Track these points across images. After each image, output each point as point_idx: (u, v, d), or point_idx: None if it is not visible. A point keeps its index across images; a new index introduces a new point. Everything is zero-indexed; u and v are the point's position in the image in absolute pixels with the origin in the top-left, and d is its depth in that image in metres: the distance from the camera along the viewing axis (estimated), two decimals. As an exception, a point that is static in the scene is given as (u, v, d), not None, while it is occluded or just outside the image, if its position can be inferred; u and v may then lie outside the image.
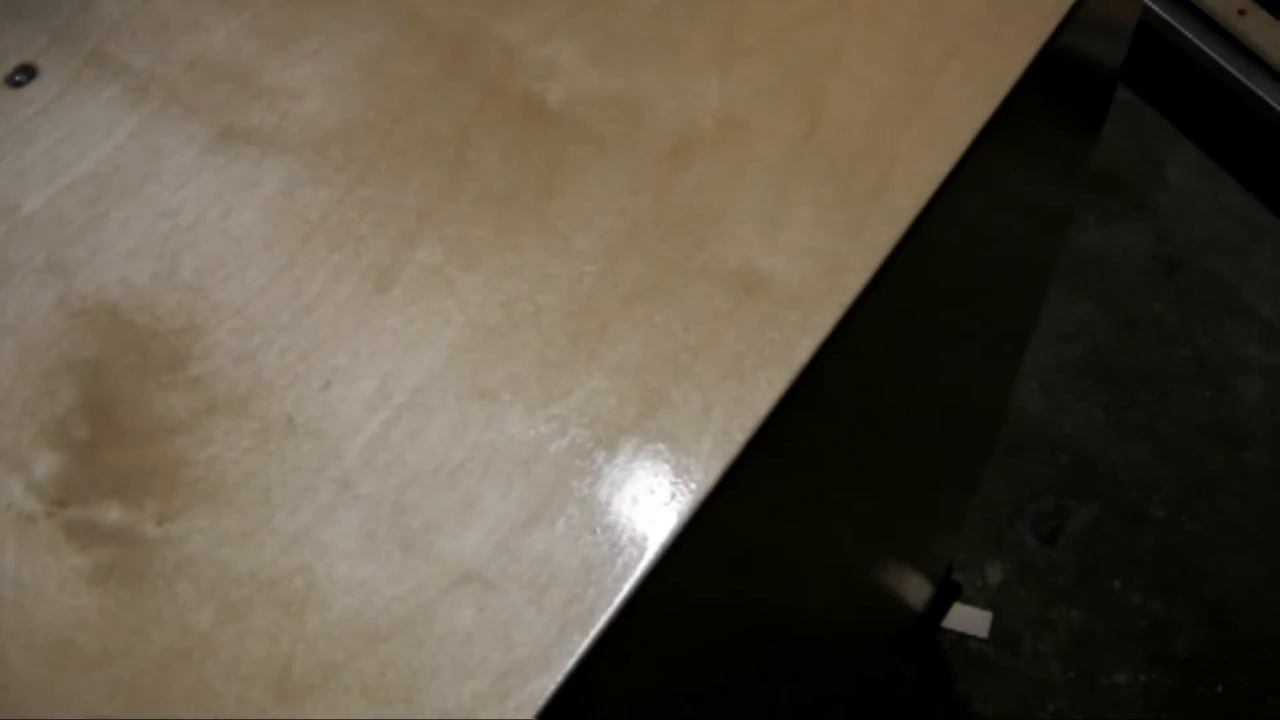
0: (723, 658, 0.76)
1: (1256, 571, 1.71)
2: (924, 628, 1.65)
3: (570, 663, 0.50)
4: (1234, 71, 1.93)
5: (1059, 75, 0.76)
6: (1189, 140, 2.05)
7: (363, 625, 0.51)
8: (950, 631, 1.68)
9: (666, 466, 0.54)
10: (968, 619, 1.68)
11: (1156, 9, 1.98)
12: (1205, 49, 1.95)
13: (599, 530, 0.52)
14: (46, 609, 0.52)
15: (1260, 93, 1.92)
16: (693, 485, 0.53)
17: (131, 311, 0.60)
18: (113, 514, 0.54)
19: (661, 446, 0.54)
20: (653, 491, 0.53)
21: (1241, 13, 1.96)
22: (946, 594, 1.61)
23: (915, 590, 1.45)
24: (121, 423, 0.57)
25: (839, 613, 1.11)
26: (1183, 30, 1.98)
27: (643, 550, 0.52)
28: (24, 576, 0.53)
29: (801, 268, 0.59)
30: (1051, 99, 0.81)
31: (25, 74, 0.69)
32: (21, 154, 0.66)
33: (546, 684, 0.49)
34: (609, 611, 0.51)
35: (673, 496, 0.53)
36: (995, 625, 1.69)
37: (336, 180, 0.63)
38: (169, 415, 0.57)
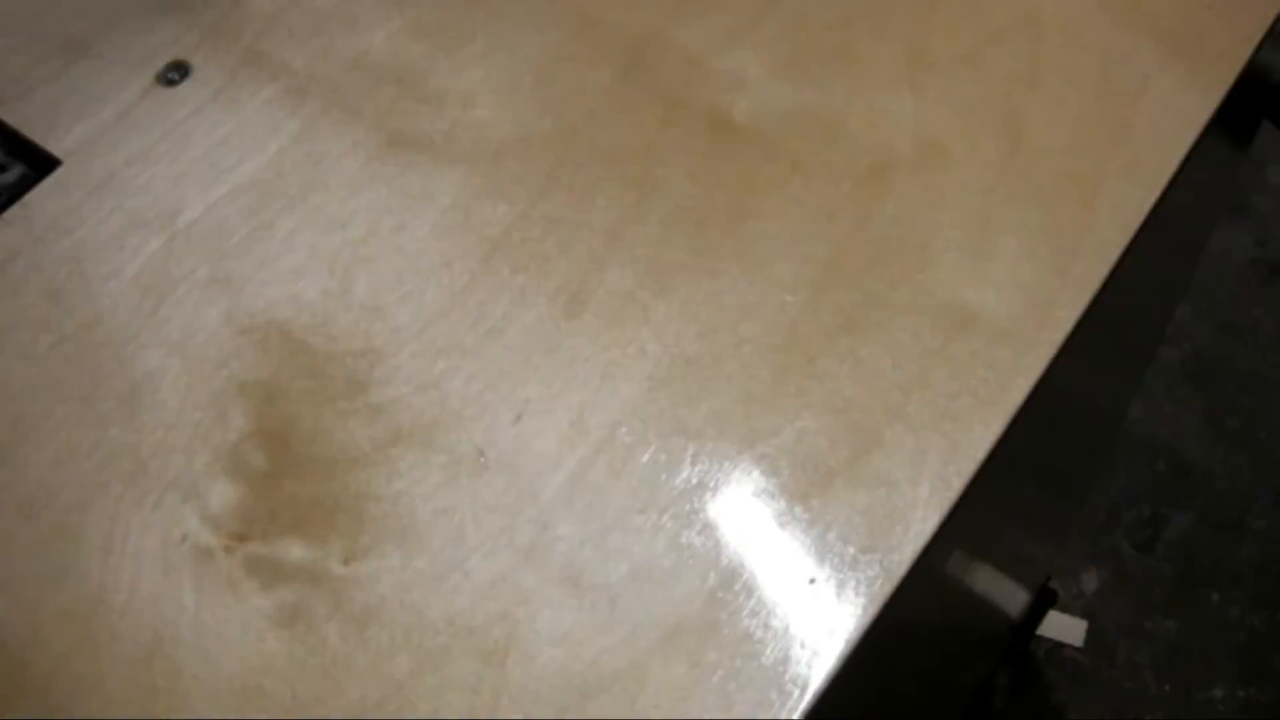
0: (877, 687, 0.73)
1: (1359, 588, 1.68)
2: (1019, 635, 1.62)
3: (796, 725, 0.47)
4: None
5: (1239, 90, 0.73)
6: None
7: (570, 679, 0.48)
8: (1045, 639, 1.65)
9: (883, 513, 0.51)
10: (1063, 627, 1.65)
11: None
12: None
13: (816, 581, 0.49)
14: (231, 652, 0.50)
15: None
16: (911, 534, 0.51)
17: (304, 331, 0.57)
18: (296, 551, 0.52)
19: (879, 492, 0.51)
20: (870, 540, 0.50)
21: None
22: (1043, 601, 1.58)
23: (1014, 597, 1.42)
24: (299, 451, 0.54)
25: (948, 622, 1.08)
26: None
27: (861, 603, 0.49)
28: (205, 617, 0.51)
29: (1011, 302, 0.56)
30: (1223, 116, 0.78)
31: (178, 72, 0.66)
32: (178, 158, 0.63)
33: (771, 749, 0.47)
34: (829, 667, 0.48)
35: (891, 545, 0.50)
36: (1090, 634, 1.65)
37: (516, 195, 0.60)
38: (350, 445, 0.54)
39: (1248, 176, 2.02)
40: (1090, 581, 1.70)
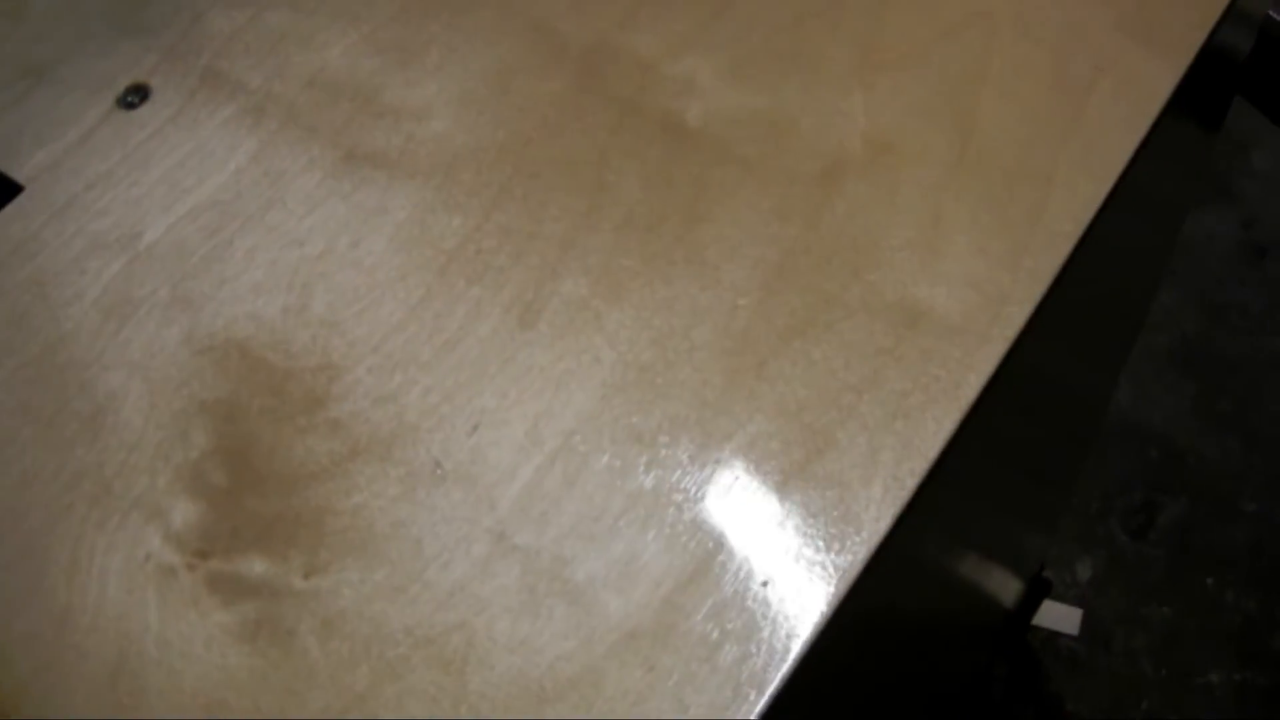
0: (856, 682, 0.74)
1: (1353, 569, 1.68)
2: (1015, 625, 1.62)
3: (750, 727, 0.47)
4: (1323, 52, 1.87)
5: (1198, 76, 0.73)
6: (1275, 125, 2.00)
7: (527, 686, 0.48)
8: (1040, 629, 1.65)
9: (836, 514, 0.51)
10: (1058, 616, 1.65)
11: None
12: (1292, 29, 1.89)
13: (770, 583, 0.50)
14: (194, 668, 0.50)
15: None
16: (864, 534, 0.51)
17: (263, 348, 0.58)
18: (257, 567, 0.52)
19: (831, 493, 0.52)
20: (824, 541, 0.51)
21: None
22: (1037, 591, 1.58)
23: (1008, 588, 1.42)
24: (260, 468, 0.55)
25: (938, 615, 1.08)
26: (1270, 12, 1.92)
27: (815, 604, 0.49)
28: (168, 634, 0.51)
29: (962, 299, 0.56)
30: (1188, 100, 0.78)
31: (137, 94, 0.67)
32: (138, 180, 0.64)
33: (725, 751, 0.47)
34: (784, 669, 0.48)
35: (844, 546, 0.51)
36: (1086, 622, 1.66)
37: (470, 206, 0.61)
38: (310, 460, 0.55)
39: (1231, 160, 2.02)
40: (1084, 570, 1.70)
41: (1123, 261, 0.93)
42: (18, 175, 0.64)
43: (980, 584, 1.23)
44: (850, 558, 0.50)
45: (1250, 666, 1.62)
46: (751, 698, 0.48)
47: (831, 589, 0.50)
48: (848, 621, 0.55)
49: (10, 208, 0.63)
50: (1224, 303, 1.89)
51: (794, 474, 0.52)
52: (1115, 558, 1.71)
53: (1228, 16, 0.67)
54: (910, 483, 0.52)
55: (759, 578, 0.50)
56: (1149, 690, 1.62)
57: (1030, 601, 1.60)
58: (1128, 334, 1.22)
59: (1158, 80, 0.63)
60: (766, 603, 0.50)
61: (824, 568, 0.50)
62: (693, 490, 0.52)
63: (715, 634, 0.49)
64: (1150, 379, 1.83)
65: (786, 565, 0.50)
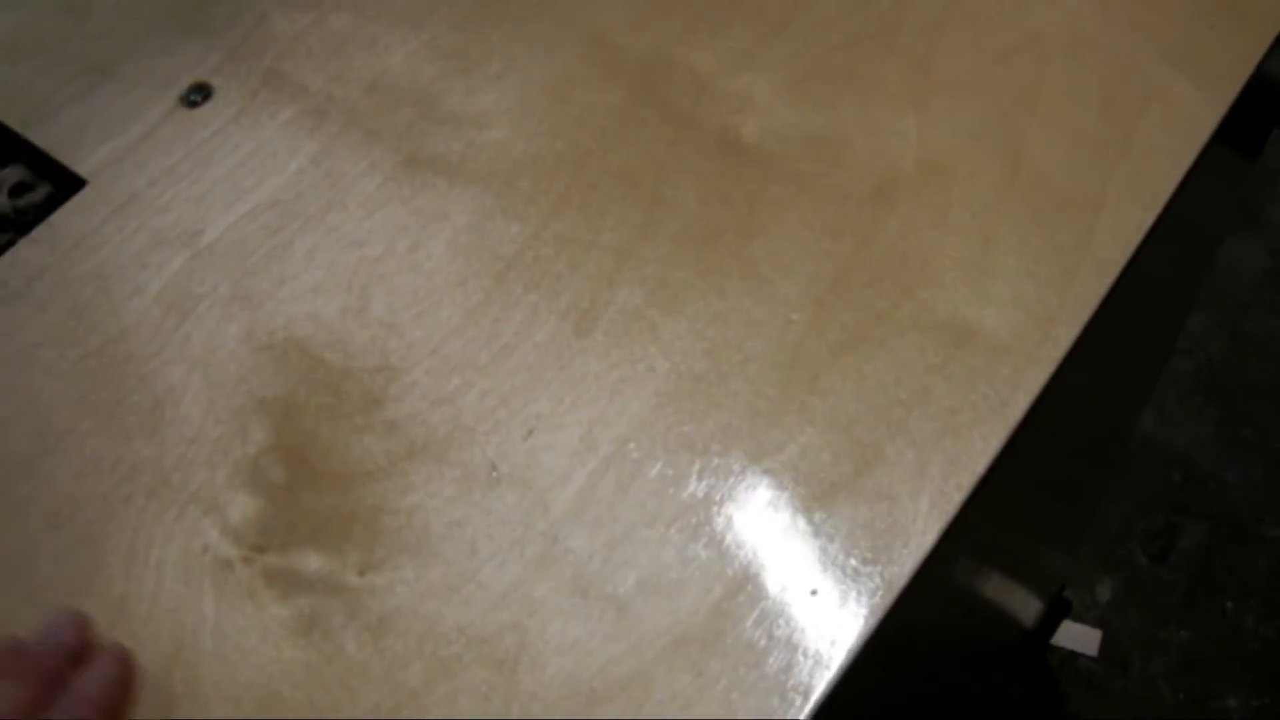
0: (879, 696, 0.74)
1: (1373, 598, 1.67)
2: (1033, 644, 1.62)
3: (797, 733, 0.48)
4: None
5: (1241, 107, 0.74)
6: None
7: (578, 687, 0.49)
8: (1059, 649, 1.65)
9: (884, 527, 0.52)
10: (1077, 637, 1.65)
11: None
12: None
13: (818, 592, 0.51)
14: (249, 660, 0.51)
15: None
16: (911, 546, 0.52)
17: (322, 348, 0.59)
18: (313, 562, 0.53)
19: (879, 506, 0.52)
20: (871, 553, 0.51)
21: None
22: (1057, 611, 1.59)
23: (1028, 607, 1.43)
24: (316, 465, 0.56)
25: (959, 631, 1.09)
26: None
27: (862, 614, 0.50)
28: (224, 626, 0.52)
29: (1011, 320, 0.57)
30: (1230, 129, 0.79)
31: (200, 93, 0.68)
32: (200, 177, 0.65)
33: (772, 756, 0.48)
34: (829, 677, 0.49)
35: (892, 558, 0.51)
36: (1104, 644, 1.66)
37: (529, 214, 0.62)
38: (366, 459, 0.56)
39: (1261, 186, 2.02)
40: (1104, 591, 1.70)
41: (1158, 287, 0.94)
42: (81, 169, 0.65)
43: (1001, 601, 1.24)
44: (897, 570, 0.51)
45: (1268, 693, 1.62)
46: (797, 704, 0.49)
47: (878, 600, 0.51)
48: (885, 634, 0.56)
49: (73, 201, 0.65)
50: (1250, 329, 1.89)
51: (844, 486, 0.53)
52: (1135, 580, 1.71)
53: (1274, 49, 0.68)
54: (957, 498, 0.53)
55: (807, 587, 0.51)
56: (1166, 714, 1.62)
57: (1050, 621, 1.60)
58: (1157, 359, 1.22)
59: (1204, 111, 0.64)
60: (814, 611, 0.50)
61: (871, 579, 0.51)
62: (744, 499, 0.53)
63: (763, 641, 0.50)
64: (1174, 403, 1.84)
65: (834, 575, 0.51)
